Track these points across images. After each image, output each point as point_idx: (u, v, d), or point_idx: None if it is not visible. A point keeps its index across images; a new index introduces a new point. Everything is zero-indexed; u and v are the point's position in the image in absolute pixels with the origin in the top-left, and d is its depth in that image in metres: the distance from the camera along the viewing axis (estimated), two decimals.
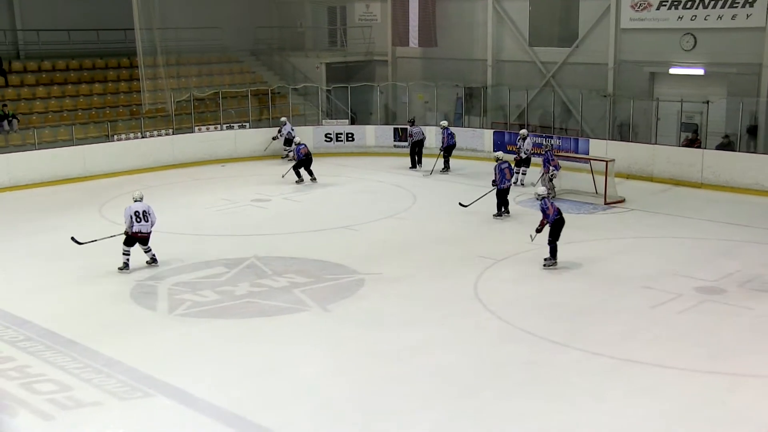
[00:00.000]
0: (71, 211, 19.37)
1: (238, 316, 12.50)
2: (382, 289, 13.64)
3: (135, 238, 14.48)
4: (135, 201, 14.59)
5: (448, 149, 23.50)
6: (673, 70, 23.85)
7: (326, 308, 12.80)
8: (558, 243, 14.59)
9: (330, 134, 27.14)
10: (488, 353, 11.05)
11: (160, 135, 25.27)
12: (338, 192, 21.39)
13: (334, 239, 16.77)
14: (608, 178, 19.44)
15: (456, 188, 20.97)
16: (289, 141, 25.27)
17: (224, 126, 26.63)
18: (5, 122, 23.30)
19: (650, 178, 22.11)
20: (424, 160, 24.11)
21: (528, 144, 21.51)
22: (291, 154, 24.66)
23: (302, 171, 22.18)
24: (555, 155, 20.29)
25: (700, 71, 23.26)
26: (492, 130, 26.11)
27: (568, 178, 20.57)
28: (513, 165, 19.78)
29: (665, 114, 23.21)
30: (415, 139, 24.25)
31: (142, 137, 24.84)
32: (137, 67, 26.31)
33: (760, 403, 9.61)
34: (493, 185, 18.23)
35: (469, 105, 28.35)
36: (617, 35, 24.85)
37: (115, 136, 24.36)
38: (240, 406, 9.52)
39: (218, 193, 21.17)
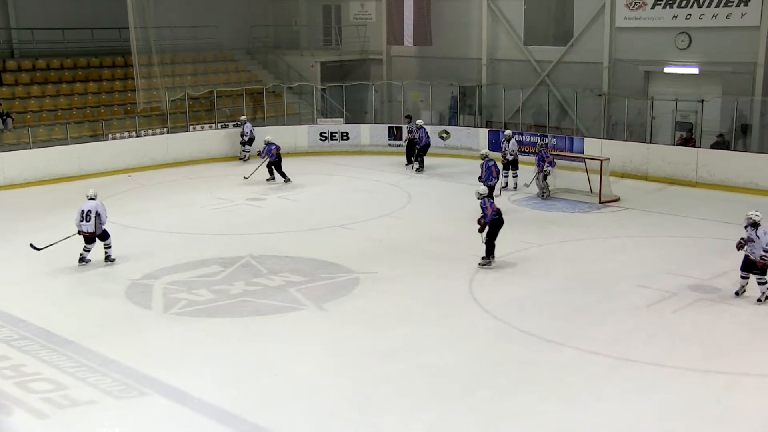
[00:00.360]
0: (66, 210, 19.21)
1: (234, 315, 12.48)
2: (378, 288, 13.63)
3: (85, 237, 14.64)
4: (88, 199, 14.69)
5: (423, 148, 23.46)
6: (667, 69, 23.90)
7: (322, 307, 12.79)
8: (496, 242, 14.59)
9: (325, 133, 27.12)
10: (484, 352, 11.06)
11: (155, 134, 25.23)
12: (333, 191, 21.37)
13: (329, 238, 16.76)
14: (603, 177, 19.46)
15: (451, 187, 21.00)
16: (250, 141, 25.15)
17: (219, 125, 26.59)
18: (0, 121, 23.24)
19: (645, 177, 22.14)
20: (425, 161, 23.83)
21: (513, 144, 21.10)
22: (248, 155, 24.86)
23: (274, 171, 22.09)
24: (550, 153, 20.32)
25: (695, 70, 23.31)
26: (487, 129, 26.15)
27: (563, 177, 20.60)
28: (501, 167, 19.88)
29: (660, 113, 23.28)
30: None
31: (137, 136, 24.78)
32: (132, 65, 26.29)
33: (756, 401, 9.63)
34: (479, 181, 18.27)
35: (464, 104, 28.35)
36: (612, 34, 24.89)
37: (110, 135, 24.30)
38: (236, 405, 9.51)
39: (213, 192, 21.13)
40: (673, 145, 22.56)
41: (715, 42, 22.67)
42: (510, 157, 20.91)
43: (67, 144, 23.36)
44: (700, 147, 21.74)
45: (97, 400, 9.68)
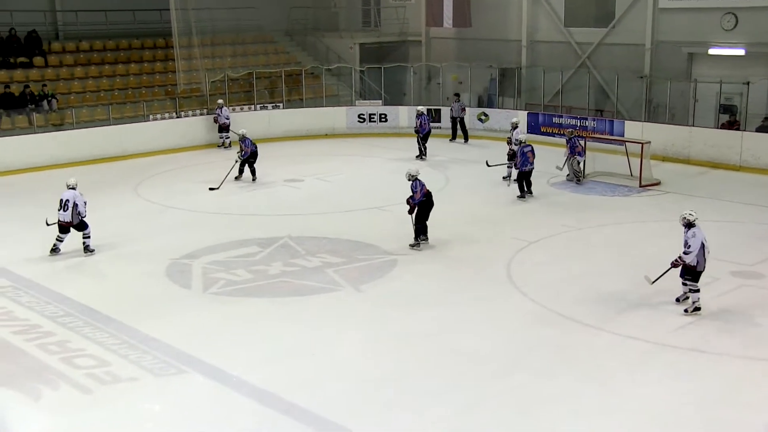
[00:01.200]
0: (108, 190, 19.63)
1: (272, 295, 12.61)
2: (415, 270, 13.67)
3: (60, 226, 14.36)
4: (68, 188, 14.47)
5: (425, 136, 22.87)
6: (712, 51, 23.41)
7: (359, 288, 12.85)
8: (427, 224, 14.76)
9: (363, 115, 27.14)
10: (520, 336, 11.05)
11: (195, 115, 25.46)
12: (371, 173, 21.39)
13: (366, 220, 16.82)
14: (644, 160, 19.22)
15: (489, 170, 20.84)
16: (225, 127, 24.50)
17: (258, 106, 26.73)
18: (45, 102, 23.62)
19: (687, 161, 21.84)
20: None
21: (518, 133, 19.43)
22: (228, 141, 24.33)
23: (245, 168, 20.32)
24: (589, 135, 20.07)
25: (741, 51, 22.80)
26: (526, 112, 25.94)
27: (603, 160, 20.38)
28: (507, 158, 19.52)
29: (703, 95, 22.84)
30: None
31: (177, 117, 25.04)
32: (173, 47, 26.49)
33: None
34: (513, 167, 18.35)
35: (503, 86, 28.14)
36: (655, 15, 24.47)
37: (151, 116, 24.57)
38: (273, 384, 9.63)
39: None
40: (717, 128, 22.18)
41: (763, 22, 22.15)
42: (515, 146, 19.09)
43: (110, 125, 23.67)
44: (744, 130, 21.35)
45: (138, 377, 9.87)
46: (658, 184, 19.37)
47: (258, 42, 31.13)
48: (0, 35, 25.04)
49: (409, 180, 14.64)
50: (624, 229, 15.96)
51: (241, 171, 20.31)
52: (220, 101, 25.07)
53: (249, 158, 20.12)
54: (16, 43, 25.27)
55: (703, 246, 11.52)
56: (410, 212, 14.66)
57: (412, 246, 14.61)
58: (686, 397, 9.24)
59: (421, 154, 22.88)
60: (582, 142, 19.74)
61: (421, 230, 14.68)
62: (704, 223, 16.21)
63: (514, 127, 20.13)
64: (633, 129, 22.61)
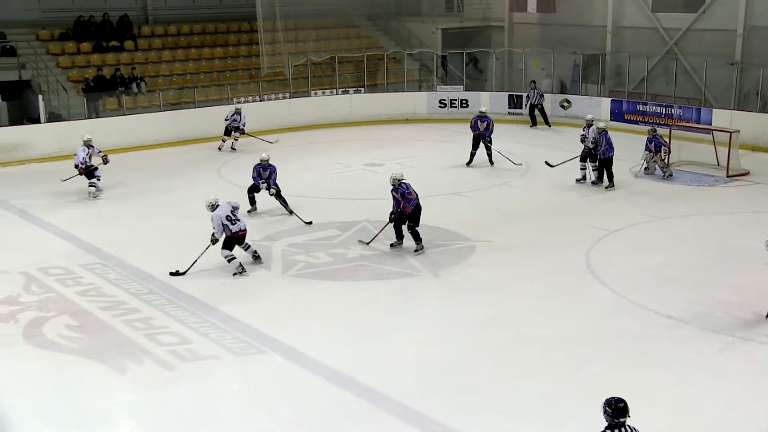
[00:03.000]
0: (193, 171, 20.12)
1: (350, 278, 12.73)
2: (493, 257, 13.61)
3: (234, 239, 12.89)
4: (215, 207, 12.75)
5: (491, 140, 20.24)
6: None
7: (437, 274, 12.88)
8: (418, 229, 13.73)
9: (444, 100, 27.05)
10: (598, 326, 10.90)
11: (278, 98, 25.80)
12: (451, 158, 21.29)
13: (445, 205, 16.79)
14: (731, 149, 18.64)
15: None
16: (237, 129, 22.30)
17: (340, 90, 26.94)
18: (134, 85, 24.32)
19: None
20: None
21: (592, 132, 17.97)
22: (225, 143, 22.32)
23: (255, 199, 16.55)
24: (674, 124, 19.50)
25: None
26: (610, 99, 25.44)
27: (688, 149, 19.83)
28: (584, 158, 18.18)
29: None
30: (532, 102, 24.53)
31: (261, 100, 25.43)
32: (257, 31, 26.90)
33: None
34: (589, 151, 17.89)
35: (587, 73, 27.66)
36: None
37: (235, 99, 25.02)
38: (348, 367, 9.74)
39: (332, 157, 21.50)
40: None
41: None
42: (591, 145, 17.91)
43: (195, 107, 24.21)
44: None
45: (219, 356, 10.13)
46: (746, 174, 18.76)
47: (340, 26, 31.31)
48: (94, 20, 25.84)
49: (393, 184, 13.53)
50: (709, 220, 15.54)
51: (252, 200, 16.40)
52: (239, 106, 22.91)
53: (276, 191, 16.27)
54: (109, 27, 26.06)
55: None
56: (392, 221, 13.73)
57: (392, 245, 13.87)
58: None
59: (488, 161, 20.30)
60: (665, 139, 19.05)
61: (405, 235, 13.77)
62: None
63: (589, 124, 18.42)
64: (721, 117, 21.92)
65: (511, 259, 13.54)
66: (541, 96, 25.20)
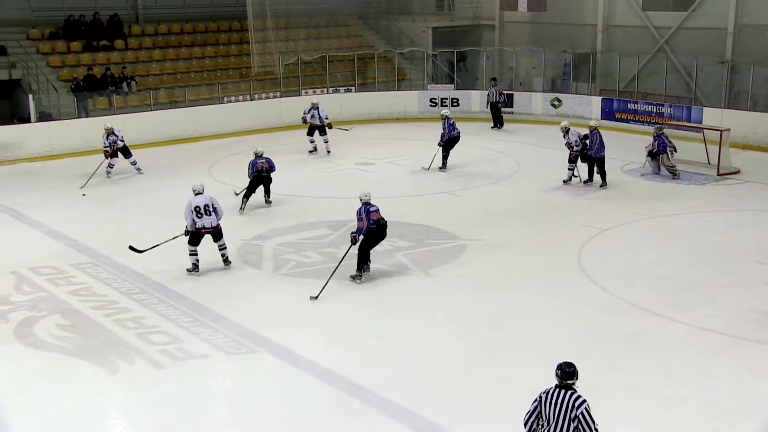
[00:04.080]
0: (183, 170, 20.06)
1: (341, 277, 12.68)
2: (484, 256, 13.62)
3: (197, 235, 12.69)
4: (196, 194, 12.79)
5: (449, 143, 19.55)
6: None
7: (428, 273, 12.88)
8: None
9: (435, 99, 27.07)
10: (590, 324, 10.93)
11: (268, 98, 25.77)
12: (441, 157, 21.28)
13: (436, 204, 16.81)
14: (722, 148, 18.69)
15: (562, 156, 20.54)
16: (321, 129, 21.38)
17: (330, 89, 26.92)
18: (124, 84, 24.25)
19: None
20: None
21: (573, 135, 17.78)
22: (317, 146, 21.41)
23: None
24: (665, 122, 19.51)
25: None
26: (600, 98, 25.49)
27: (679, 147, 19.80)
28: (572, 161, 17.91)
29: None
30: (491, 100, 24.75)
31: (251, 99, 25.40)
32: (247, 30, 26.87)
33: None
34: (588, 152, 17.57)
35: (577, 71, 27.72)
36: None
37: (225, 98, 24.98)
38: (340, 366, 9.74)
39: (323, 156, 21.46)
40: None
41: None
42: (577, 148, 17.74)
43: (185, 106, 24.16)
44: None
45: (210, 355, 10.11)
46: (737, 172, 18.83)
47: (331, 25, 31.31)
48: (84, 19, 25.74)
49: (362, 201, 12.58)
50: (699, 218, 15.59)
51: (250, 191, 16.54)
52: (315, 101, 22.07)
53: (263, 179, 16.53)
54: (99, 26, 25.97)
55: None
56: (354, 243, 12.41)
57: (353, 278, 12.45)
58: (760, 393, 9.01)
59: (443, 165, 19.78)
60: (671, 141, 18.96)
61: (363, 260, 12.52)
62: None
63: (567, 130, 17.91)
64: (712, 116, 21.97)
65: (502, 257, 13.55)
66: (501, 94, 25.19)
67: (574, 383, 6.97)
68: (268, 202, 16.79)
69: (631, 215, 15.54)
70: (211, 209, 12.63)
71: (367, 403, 8.95)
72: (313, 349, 10.21)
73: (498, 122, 25.04)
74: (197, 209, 12.55)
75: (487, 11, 30.60)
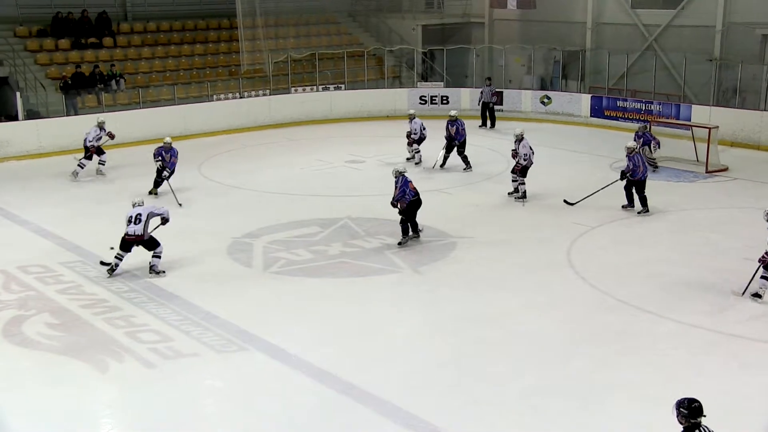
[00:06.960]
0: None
1: (331, 275, 12.70)
2: (475, 253, 13.62)
3: (125, 240, 12.66)
4: (133, 206, 12.88)
5: (462, 144, 19.26)
6: None
7: (418, 270, 12.88)
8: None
9: (425, 96, 27.04)
10: (582, 321, 10.93)
11: (258, 95, 25.70)
12: (431, 155, 21.28)
13: (427, 202, 16.69)
14: (711, 145, 18.76)
15: (552, 154, 20.59)
16: (420, 140, 20.15)
17: (320, 87, 26.86)
18: (113, 82, 24.12)
19: (757, 147, 21.23)
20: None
21: (525, 147, 16.50)
22: (418, 155, 20.17)
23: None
24: (653, 119, 19.54)
25: None
26: (590, 95, 25.54)
27: (668, 145, 19.93)
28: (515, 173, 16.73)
29: None
30: (484, 100, 24.68)
31: (241, 97, 25.32)
32: (236, 28, 26.79)
33: None
34: (623, 177, 15.50)
35: (567, 69, 27.75)
36: None
37: (215, 96, 24.89)
38: (331, 364, 9.71)
39: (313, 154, 21.43)
40: None
41: None
42: (524, 163, 16.54)
43: (174, 104, 24.06)
44: None
45: (200, 353, 10.07)
46: (725, 170, 18.90)
47: (321, 23, 31.22)
48: (73, 17, 25.60)
49: (395, 176, 14.08)
50: (688, 215, 15.65)
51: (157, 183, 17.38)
52: (412, 111, 20.94)
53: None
54: (88, 24, 25.81)
55: None
56: (401, 212, 14.02)
57: (400, 244, 13.93)
58: (751, 390, 9.03)
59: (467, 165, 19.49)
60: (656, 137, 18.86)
61: (408, 229, 14.09)
62: None
63: (519, 139, 16.67)
64: (700, 113, 22.06)
65: (493, 255, 13.56)
66: (494, 95, 25.10)
67: (701, 422, 6.04)
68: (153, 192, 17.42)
69: (621, 212, 15.57)
70: (142, 219, 12.60)
71: (358, 401, 8.91)
72: (304, 347, 10.18)
73: (490, 122, 24.87)
74: (129, 218, 12.64)
75: (477, 9, 30.59)
